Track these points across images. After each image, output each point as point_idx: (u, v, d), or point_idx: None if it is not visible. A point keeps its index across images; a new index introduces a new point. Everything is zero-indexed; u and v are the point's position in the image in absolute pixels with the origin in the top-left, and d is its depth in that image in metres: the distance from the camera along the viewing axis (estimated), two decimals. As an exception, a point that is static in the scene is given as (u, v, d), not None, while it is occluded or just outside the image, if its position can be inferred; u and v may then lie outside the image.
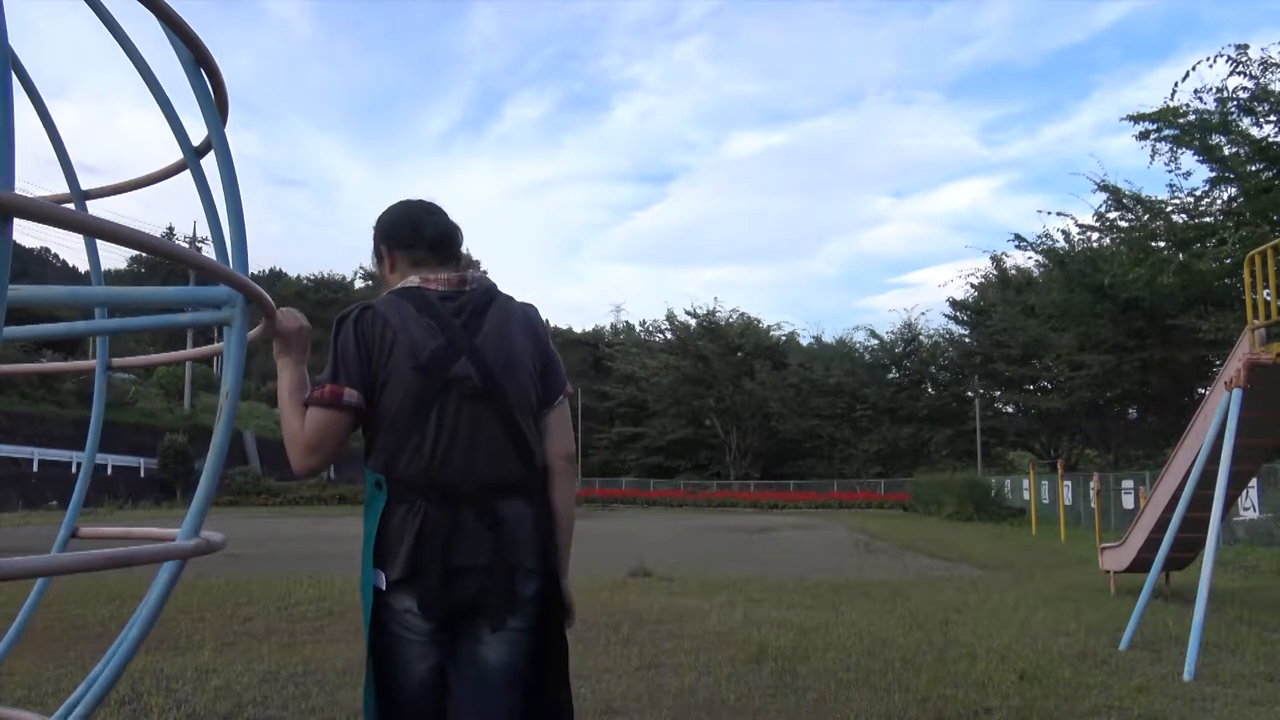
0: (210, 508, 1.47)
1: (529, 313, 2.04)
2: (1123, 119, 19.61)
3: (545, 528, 1.88)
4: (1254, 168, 18.11)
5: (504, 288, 2.10)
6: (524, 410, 1.89)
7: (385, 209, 2.09)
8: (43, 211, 0.94)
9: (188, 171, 1.69)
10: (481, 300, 1.97)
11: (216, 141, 1.48)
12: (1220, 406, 6.38)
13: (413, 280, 1.93)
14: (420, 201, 2.09)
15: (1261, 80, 17.19)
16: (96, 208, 2.21)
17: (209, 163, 1.61)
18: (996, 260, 36.76)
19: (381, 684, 1.77)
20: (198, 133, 1.67)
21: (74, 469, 33.17)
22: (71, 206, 2.23)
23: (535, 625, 1.84)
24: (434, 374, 1.81)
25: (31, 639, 5.46)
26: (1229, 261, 17.77)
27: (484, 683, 1.80)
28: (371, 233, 2.08)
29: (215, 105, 1.50)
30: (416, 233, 2.01)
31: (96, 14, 1.51)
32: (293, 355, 1.87)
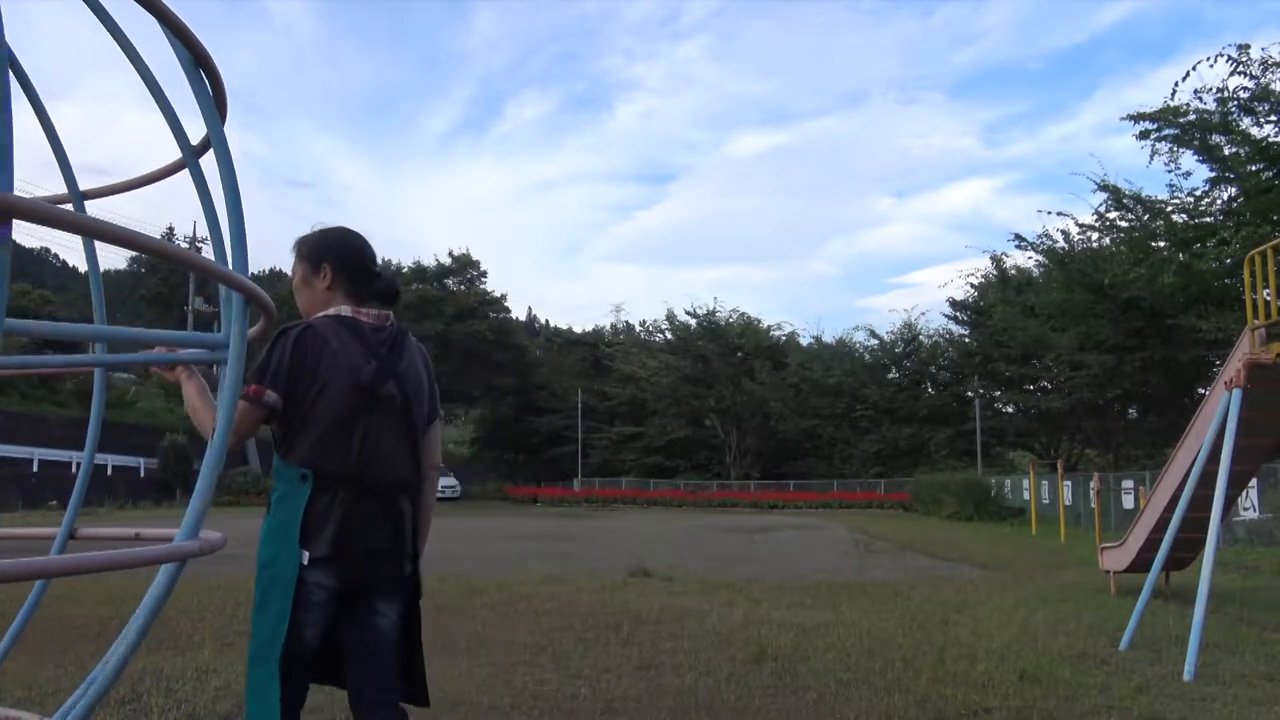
0: (209, 508, 1.47)
1: (423, 349, 2.52)
2: (1123, 118, 19.62)
3: (417, 521, 2.35)
4: (1254, 168, 18.10)
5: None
6: (421, 426, 2.38)
7: (333, 230, 2.46)
8: (41, 212, 0.94)
9: (187, 172, 1.69)
10: (398, 335, 2.39)
11: (216, 142, 1.48)
12: (1220, 406, 6.38)
13: (346, 310, 2.31)
14: (367, 244, 2.47)
15: (1262, 80, 17.19)
16: (97, 208, 2.21)
17: (209, 163, 1.61)
18: (996, 260, 36.76)
19: (287, 643, 2.06)
20: (198, 133, 1.67)
21: (74, 469, 33.17)
22: (69, 207, 2.23)
23: (410, 598, 2.33)
24: (368, 391, 2.22)
25: (31, 639, 5.46)
26: (1229, 261, 17.76)
27: (377, 645, 2.23)
28: (311, 243, 2.41)
29: (214, 105, 1.50)
30: (369, 276, 2.40)
31: (94, 13, 1.51)
32: (195, 378, 2.23)
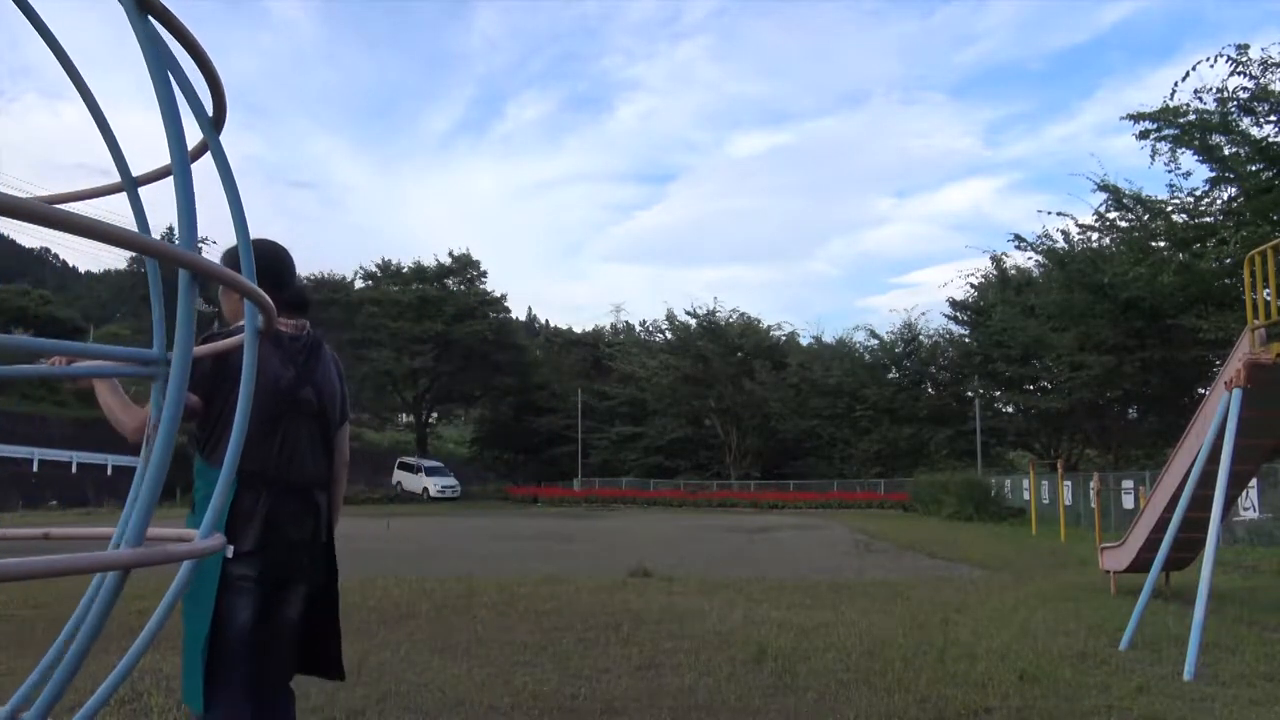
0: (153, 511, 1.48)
1: (336, 357, 2.75)
2: (1123, 118, 19.59)
3: (330, 512, 2.60)
4: (1254, 168, 18.09)
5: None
6: (334, 428, 2.62)
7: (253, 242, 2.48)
8: (34, 211, 0.94)
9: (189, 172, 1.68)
10: (314, 344, 2.57)
11: (213, 145, 1.48)
12: (1220, 406, 6.38)
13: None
14: (283, 257, 2.60)
15: (1261, 80, 17.18)
16: (97, 208, 2.21)
17: (208, 164, 1.61)
18: (996, 260, 36.74)
19: (215, 632, 2.22)
20: (198, 133, 1.67)
21: (74, 469, 33.19)
22: (69, 207, 2.22)
23: (327, 584, 2.57)
24: (287, 396, 2.42)
25: (31, 639, 5.45)
26: (1229, 261, 17.76)
27: (288, 629, 2.43)
28: (229, 257, 2.47)
29: (213, 105, 1.50)
30: (278, 287, 2.44)
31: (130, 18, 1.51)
32: (107, 380, 2.31)
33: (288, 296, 2.50)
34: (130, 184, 1.91)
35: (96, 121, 1.81)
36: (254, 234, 1.59)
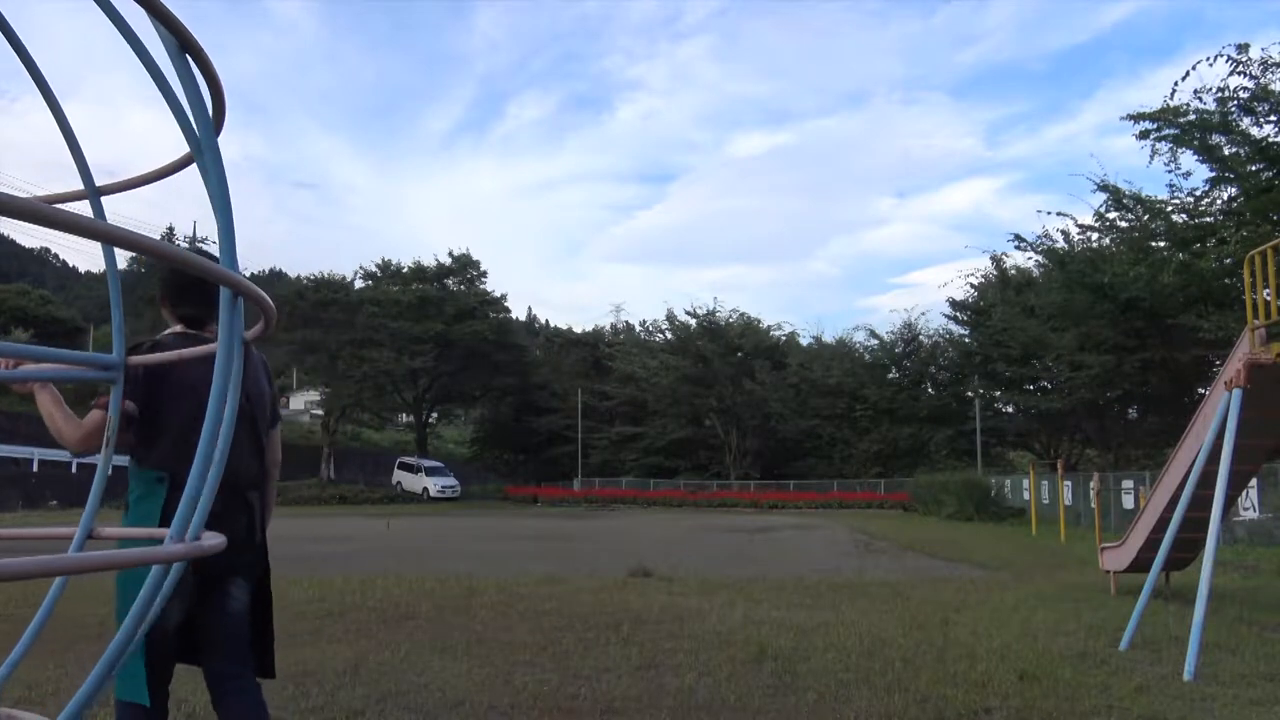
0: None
1: (265, 361, 2.81)
2: (1123, 118, 19.62)
3: (263, 510, 2.68)
4: (1254, 168, 18.09)
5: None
6: (264, 429, 2.70)
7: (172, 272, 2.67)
8: (34, 211, 0.94)
9: (186, 172, 1.68)
10: (242, 348, 2.51)
11: (210, 145, 1.48)
12: (1220, 407, 6.38)
13: (179, 328, 2.59)
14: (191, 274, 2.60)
15: (1261, 80, 17.19)
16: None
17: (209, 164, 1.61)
18: (996, 260, 36.76)
19: (152, 629, 2.21)
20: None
21: (74, 469, 33.18)
22: (86, 205, 2.22)
23: (261, 578, 2.65)
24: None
25: (32, 639, 5.45)
26: (1229, 261, 17.76)
27: (233, 625, 2.51)
28: (160, 277, 2.70)
29: (212, 106, 1.50)
30: (188, 292, 2.60)
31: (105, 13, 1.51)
32: (48, 388, 2.38)
33: (182, 312, 2.61)
34: (94, 192, 1.91)
35: (59, 121, 1.80)
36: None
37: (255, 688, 2.53)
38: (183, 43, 1.36)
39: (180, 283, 2.63)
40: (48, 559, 1.00)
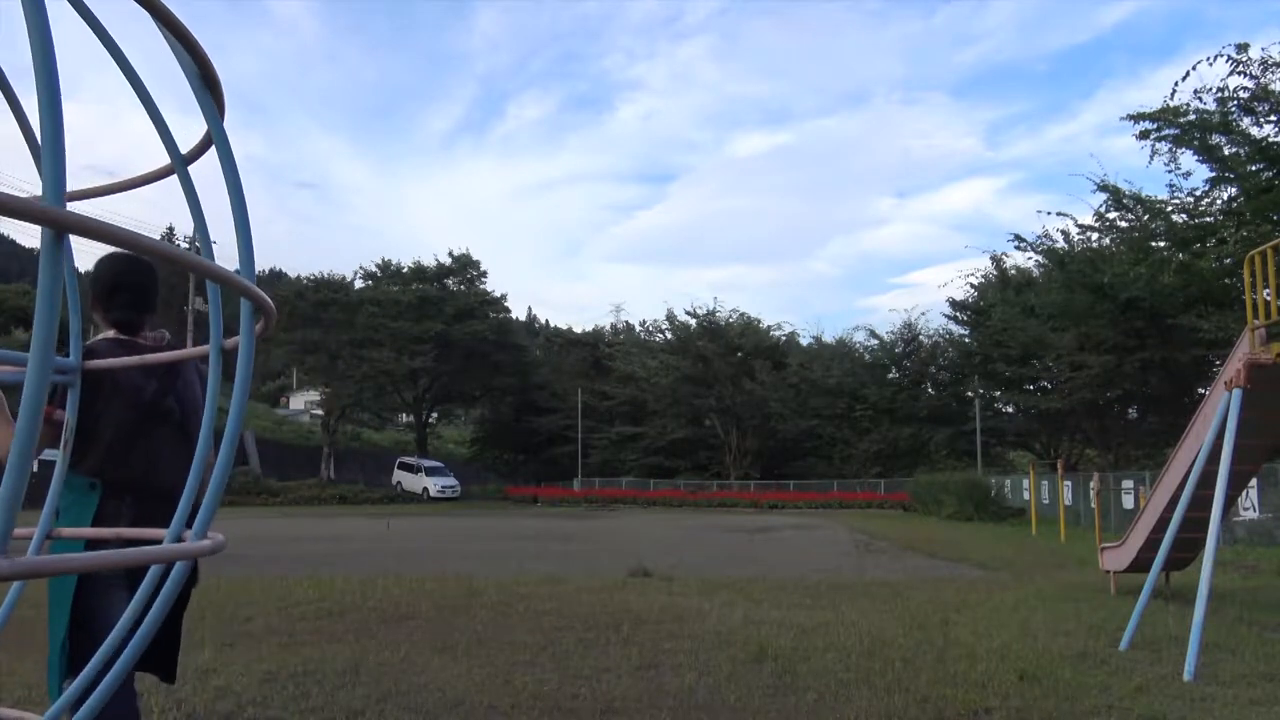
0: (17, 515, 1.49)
1: (200, 367, 2.74)
2: (1123, 118, 19.61)
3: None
4: (1254, 168, 18.09)
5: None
6: (196, 436, 2.52)
7: (102, 262, 2.63)
8: (34, 211, 0.94)
9: (181, 173, 1.68)
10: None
11: (219, 140, 1.48)
12: (1220, 407, 6.38)
13: (114, 333, 2.56)
14: (135, 269, 2.64)
15: (1261, 80, 17.18)
16: (97, 208, 2.21)
17: (208, 164, 1.61)
18: (996, 260, 36.74)
19: (83, 633, 2.29)
20: (198, 132, 1.67)
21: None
22: (69, 206, 2.22)
23: (186, 586, 2.53)
24: (150, 408, 2.50)
25: (33, 640, 5.45)
26: (1229, 261, 17.77)
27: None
28: (93, 276, 2.63)
29: (213, 103, 1.50)
30: (114, 297, 2.58)
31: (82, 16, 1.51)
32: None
33: (114, 317, 2.58)
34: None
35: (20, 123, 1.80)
36: (255, 234, 1.59)
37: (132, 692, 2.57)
38: (186, 45, 1.36)
39: (111, 286, 2.59)
40: (48, 559, 1.00)
